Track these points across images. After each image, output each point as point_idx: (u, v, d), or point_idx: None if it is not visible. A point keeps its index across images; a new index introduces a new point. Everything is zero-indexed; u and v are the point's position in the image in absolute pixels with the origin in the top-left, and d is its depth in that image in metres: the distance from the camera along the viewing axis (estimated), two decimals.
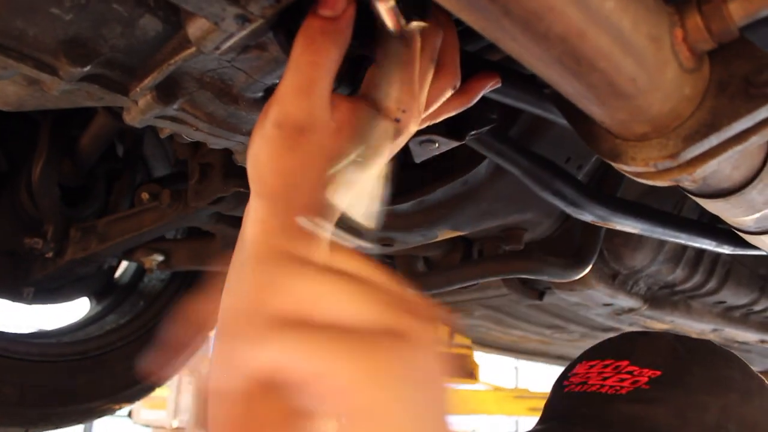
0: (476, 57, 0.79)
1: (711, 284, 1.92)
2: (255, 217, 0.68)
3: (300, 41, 0.61)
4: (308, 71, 0.61)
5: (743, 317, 2.23)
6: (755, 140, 0.66)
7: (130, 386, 1.66)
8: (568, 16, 0.51)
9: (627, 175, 0.75)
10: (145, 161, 1.76)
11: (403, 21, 0.61)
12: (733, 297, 2.04)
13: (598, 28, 0.53)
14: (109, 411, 1.64)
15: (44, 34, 0.67)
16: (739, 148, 0.66)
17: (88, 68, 0.70)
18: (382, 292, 0.46)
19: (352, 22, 0.62)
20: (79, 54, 0.69)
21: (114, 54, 0.70)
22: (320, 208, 0.66)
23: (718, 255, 1.89)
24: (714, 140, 0.65)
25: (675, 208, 1.60)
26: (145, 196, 1.35)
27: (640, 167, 0.70)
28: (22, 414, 1.46)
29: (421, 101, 0.67)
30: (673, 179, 0.71)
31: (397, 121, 0.65)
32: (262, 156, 0.65)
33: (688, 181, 0.75)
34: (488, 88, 0.76)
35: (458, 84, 0.71)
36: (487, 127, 0.87)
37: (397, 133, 0.66)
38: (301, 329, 0.42)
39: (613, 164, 0.73)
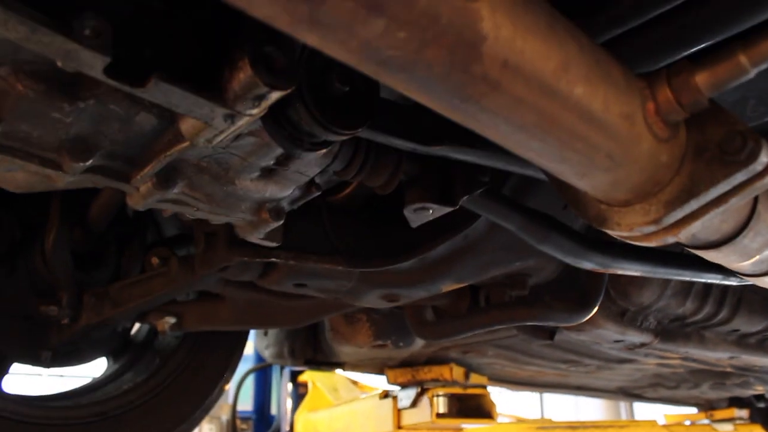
0: None
1: (722, 314, 1.91)
2: None
3: None
4: None
5: (759, 343, 2.21)
6: (734, 202, 0.68)
7: None
8: (539, 106, 0.54)
9: (616, 237, 0.77)
10: (156, 220, 1.80)
11: None
12: (746, 324, 2.03)
13: (570, 113, 0.56)
14: None
15: (48, 135, 0.70)
16: (719, 210, 0.68)
17: (89, 162, 0.73)
18: None
19: None
20: (80, 150, 0.72)
21: (114, 147, 0.74)
22: None
23: (728, 286, 1.89)
24: (694, 204, 0.67)
25: (679, 247, 1.60)
26: (155, 260, 1.38)
27: (625, 232, 0.72)
28: None
29: None
30: (660, 240, 0.73)
31: None
32: None
33: (675, 240, 0.77)
34: None
35: None
36: (478, 191, 0.89)
37: None
38: None
39: (600, 229, 0.75)
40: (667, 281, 1.68)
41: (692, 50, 0.73)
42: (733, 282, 1.35)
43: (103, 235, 1.59)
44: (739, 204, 0.74)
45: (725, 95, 1.00)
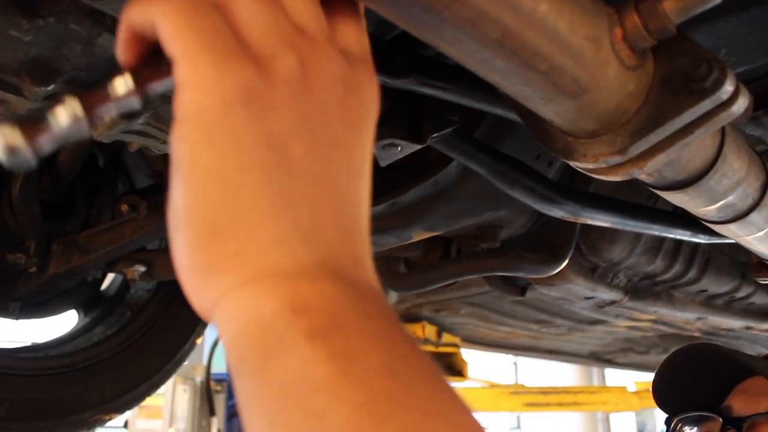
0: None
1: (691, 273, 1.95)
2: None
3: None
4: None
5: (726, 305, 2.25)
6: (700, 133, 0.68)
7: (119, 397, 1.67)
8: (503, 21, 0.53)
9: (581, 171, 0.77)
10: (127, 172, 1.78)
11: None
12: (714, 285, 2.07)
13: (534, 31, 0.55)
14: (100, 422, 1.65)
15: (6, 56, 0.68)
16: (685, 141, 0.69)
17: (51, 87, 0.72)
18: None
19: None
20: (41, 73, 0.70)
21: (76, 72, 0.72)
22: None
23: (697, 245, 1.91)
24: (660, 134, 0.68)
25: (650, 201, 1.62)
26: (124, 208, 1.36)
27: (591, 163, 0.72)
28: (12, 429, 1.47)
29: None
30: (626, 173, 0.73)
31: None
32: None
33: (641, 174, 0.77)
34: None
35: None
36: (448, 129, 0.89)
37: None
38: None
39: (566, 161, 0.75)
40: (638, 238, 1.70)
41: None
42: (702, 239, 1.37)
43: (73, 184, 1.57)
44: (705, 138, 0.75)
45: (700, 40, 1.00)
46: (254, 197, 0.39)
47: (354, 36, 0.48)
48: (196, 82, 0.39)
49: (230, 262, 0.38)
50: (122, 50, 0.43)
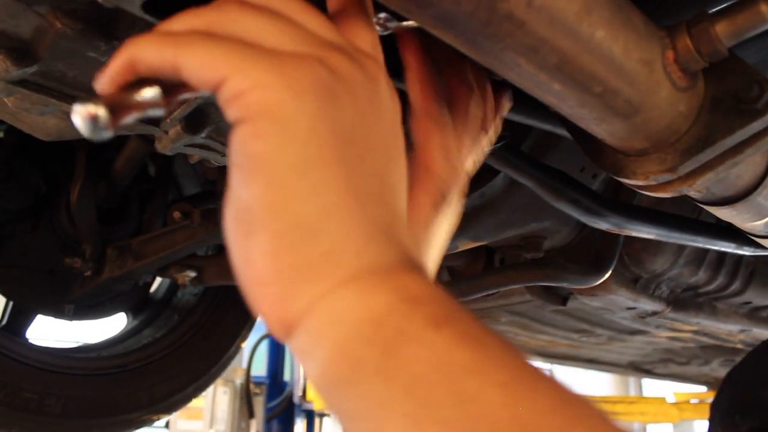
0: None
1: (735, 285, 1.93)
2: None
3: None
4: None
5: None
6: (750, 152, 0.69)
7: (168, 397, 1.72)
8: (562, 47, 0.55)
9: (632, 187, 0.78)
10: (176, 180, 1.83)
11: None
12: (759, 297, 2.04)
13: (591, 56, 0.57)
14: (148, 422, 1.70)
15: (83, 75, 0.73)
16: (734, 160, 0.70)
17: None
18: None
19: None
20: None
21: None
22: None
23: (741, 256, 1.90)
24: (710, 153, 0.69)
25: (694, 213, 1.62)
26: (177, 215, 1.41)
27: (641, 181, 0.73)
28: (65, 425, 1.53)
29: (465, 164, 0.68)
30: (675, 191, 0.75)
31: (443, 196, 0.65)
32: None
33: (690, 191, 0.79)
34: (505, 111, 0.78)
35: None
36: (500, 144, 0.91)
37: (443, 200, 0.64)
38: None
39: (616, 178, 0.77)
40: (681, 249, 1.69)
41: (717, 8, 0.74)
42: (746, 251, 1.36)
43: (127, 191, 1.62)
44: (754, 156, 0.76)
45: (747, 56, 1.01)
46: (339, 192, 0.37)
47: (365, 39, 0.49)
48: (259, 83, 0.37)
49: (324, 262, 0.36)
50: (108, 80, 0.41)
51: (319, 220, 0.37)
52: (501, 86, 0.79)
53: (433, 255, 0.66)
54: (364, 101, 0.42)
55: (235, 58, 0.38)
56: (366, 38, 0.49)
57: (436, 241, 0.66)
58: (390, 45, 0.67)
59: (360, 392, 0.34)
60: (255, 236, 0.37)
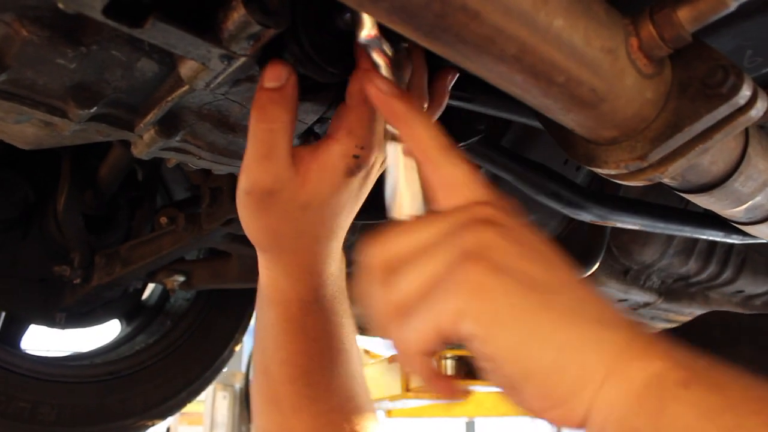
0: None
1: (726, 274, 1.93)
2: (262, 266, 0.79)
3: (253, 113, 0.68)
4: (266, 138, 0.68)
5: (764, 305, 2.22)
6: (719, 137, 0.70)
7: (162, 403, 1.72)
8: (519, 38, 0.55)
9: (604, 176, 0.79)
10: (165, 185, 1.83)
11: (389, 51, 0.66)
12: (751, 285, 2.04)
13: (550, 45, 0.58)
14: (142, 427, 1.70)
15: (53, 82, 0.72)
16: (705, 146, 0.70)
17: (94, 109, 0.76)
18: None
19: (296, 88, 0.68)
20: (85, 97, 0.74)
21: (117, 95, 0.76)
22: (311, 249, 0.74)
23: (732, 245, 1.90)
24: (679, 140, 0.69)
25: (681, 203, 1.62)
26: (163, 220, 1.41)
27: (613, 169, 0.74)
28: None
29: (378, 134, 0.72)
30: (647, 178, 0.75)
31: (356, 157, 0.70)
32: (244, 218, 0.74)
33: (664, 179, 0.79)
34: (449, 83, 0.80)
35: (426, 104, 0.76)
36: (474, 139, 0.91)
37: (357, 167, 0.71)
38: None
39: (588, 168, 0.77)
40: (670, 239, 1.70)
41: None
42: (735, 240, 1.36)
43: (114, 198, 1.63)
44: (724, 141, 0.76)
45: (721, 45, 1.01)
46: (556, 326, 0.49)
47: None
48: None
49: (582, 381, 0.47)
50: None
51: (561, 355, 0.48)
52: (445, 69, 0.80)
53: (340, 220, 0.75)
54: (513, 247, 0.53)
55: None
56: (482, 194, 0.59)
57: (341, 210, 0.73)
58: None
59: None
60: (524, 392, 0.49)
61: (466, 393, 0.55)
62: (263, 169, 0.69)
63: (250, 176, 0.70)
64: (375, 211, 0.95)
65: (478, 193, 0.58)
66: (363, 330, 2.60)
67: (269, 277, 0.79)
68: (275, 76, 0.67)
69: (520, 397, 0.50)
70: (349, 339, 0.83)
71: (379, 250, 0.55)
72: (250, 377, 5.10)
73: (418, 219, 0.57)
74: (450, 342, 0.51)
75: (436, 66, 0.79)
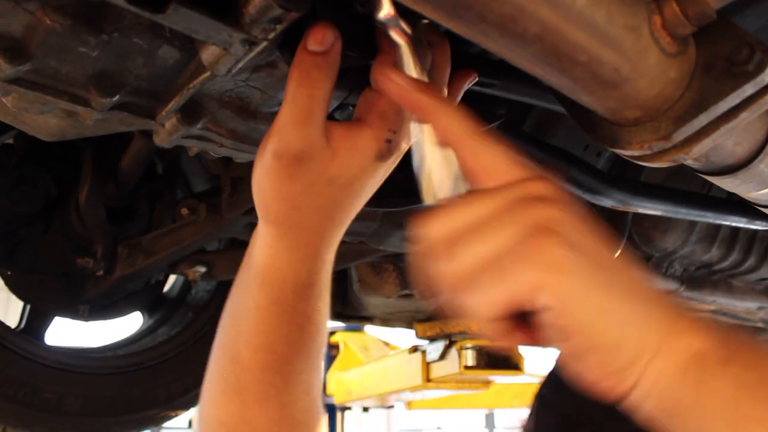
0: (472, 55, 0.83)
1: (750, 262, 1.90)
2: (263, 242, 0.76)
3: (295, 75, 0.67)
4: (305, 103, 0.66)
5: None
6: (745, 116, 0.69)
7: (184, 394, 1.74)
8: (541, 16, 0.55)
9: (628, 158, 0.78)
10: (185, 177, 1.85)
11: (407, 29, 0.66)
12: None
13: (572, 24, 0.57)
14: (165, 418, 1.72)
15: (75, 71, 0.73)
16: (729, 125, 0.69)
17: (116, 98, 0.76)
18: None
19: (339, 54, 0.67)
20: (107, 85, 0.75)
21: (139, 83, 0.77)
22: (323, 229, 0.73)
23: (756, 232, 1.87)
24: (704, 119, 0.68)
25: (704, 188, 1.60)
26: (184, 211, 1.42)
27: (636, 150, 0.73)
28: (85, 423, 1.55)
29: (408, 119, 0.71)
30: (671, 159, 0.74)
31: (389, 141, 0.69)
32: (264, 185, 0.71)
33: (687, 160, 0.78)
34: (466, 86, 0.79)
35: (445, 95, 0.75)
36: (495, 124, 0.91)
37: (389, 152, 0.71)
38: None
39: (612, 150, 0.76)
40: (692, 226, 1.68)
41: None
42: (759, 226, 1.35)
43: (135, 190, 1.64)
44: (753, 121, 0.75)
45: (748, 23, 0.99)
46: (626, 303, 0.52)
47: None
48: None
49: (635, 353, 0.51)
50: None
51: (625, 330, 0.52)
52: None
53: (357, 205, 0.74)
54: (579, 223, 0.55)
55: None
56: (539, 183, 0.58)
57: (361, 194, 0.73)
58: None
59: (682, 420, 0.51)
60: (587, 361, 0.53)
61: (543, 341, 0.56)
62: (298, 133, 0.67)
63: (282, 139, 0.67)
64: (389, 199, 0.95)
65: (523, 171, 0.58)
66: (384, 321, 2.61)
67: (269, 255, 0.75)
68: (320, 40, 0.65)
69: (580, 366, 0.53)
70: (324, 330, 0.81)
71: (437, 227, 0.56)
72: None
73: (469, 196, 0.58)
74: (522, 310, 0.53)
75: (456, 64, 0.78)
